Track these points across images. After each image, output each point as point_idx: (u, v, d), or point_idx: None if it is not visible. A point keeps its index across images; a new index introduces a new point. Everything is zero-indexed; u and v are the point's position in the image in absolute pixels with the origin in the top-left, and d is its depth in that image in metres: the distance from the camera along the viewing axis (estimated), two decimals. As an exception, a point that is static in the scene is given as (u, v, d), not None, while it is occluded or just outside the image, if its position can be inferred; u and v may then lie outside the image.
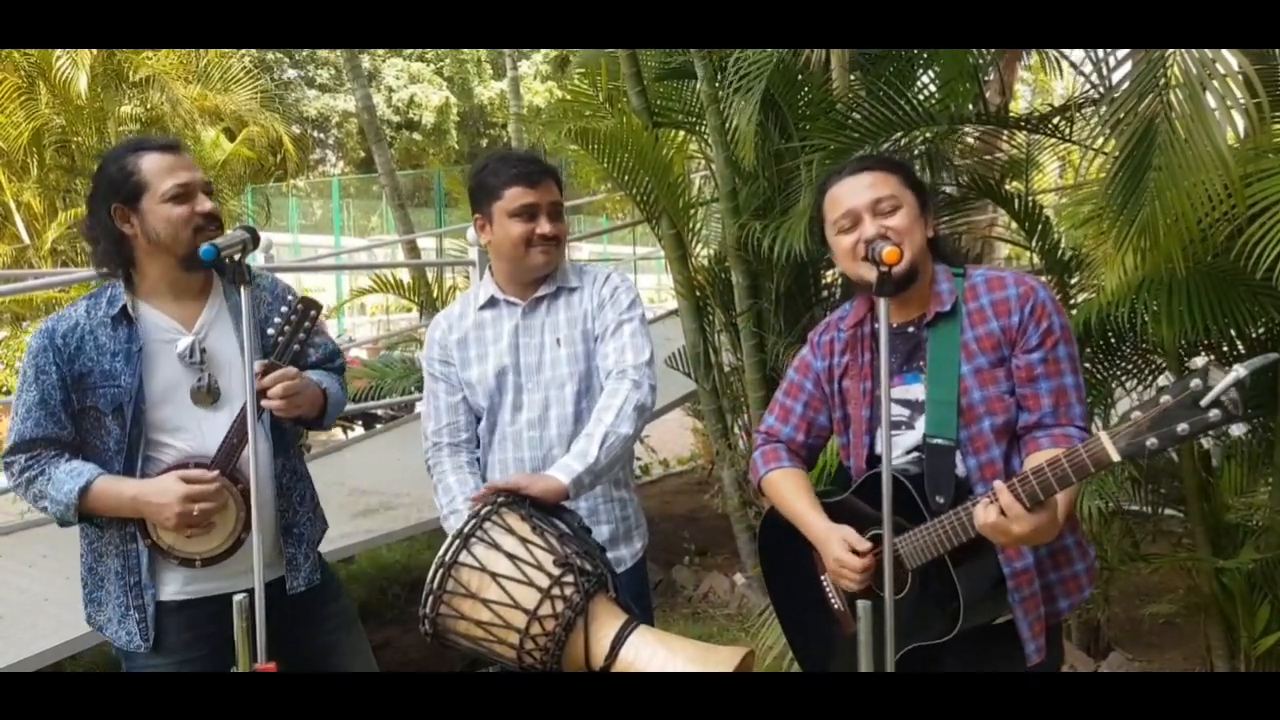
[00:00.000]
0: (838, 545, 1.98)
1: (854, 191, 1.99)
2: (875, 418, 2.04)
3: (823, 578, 2.13)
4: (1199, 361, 1.53)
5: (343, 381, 2.45)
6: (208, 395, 2.18)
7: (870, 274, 1.84)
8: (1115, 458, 1.59)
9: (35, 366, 2.13)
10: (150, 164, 2.14)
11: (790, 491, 2.14)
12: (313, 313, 2.16)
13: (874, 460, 2.05)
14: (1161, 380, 3.72)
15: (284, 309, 2.16)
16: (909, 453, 2.01)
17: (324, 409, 2.31)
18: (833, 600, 2.12)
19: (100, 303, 2.19)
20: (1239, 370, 1.47)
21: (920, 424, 1.99)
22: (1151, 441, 1.55)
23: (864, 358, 2.09)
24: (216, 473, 2.12)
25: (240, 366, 2.17)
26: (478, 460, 2.45)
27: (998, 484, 1.73)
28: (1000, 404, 1.94)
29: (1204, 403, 1.50)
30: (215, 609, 2.11)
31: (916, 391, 2.00)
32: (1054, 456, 1.68)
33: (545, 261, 2.35)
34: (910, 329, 2.03)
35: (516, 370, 2.38)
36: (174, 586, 2.19)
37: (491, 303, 2.44)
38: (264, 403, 2.09)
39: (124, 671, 2.27)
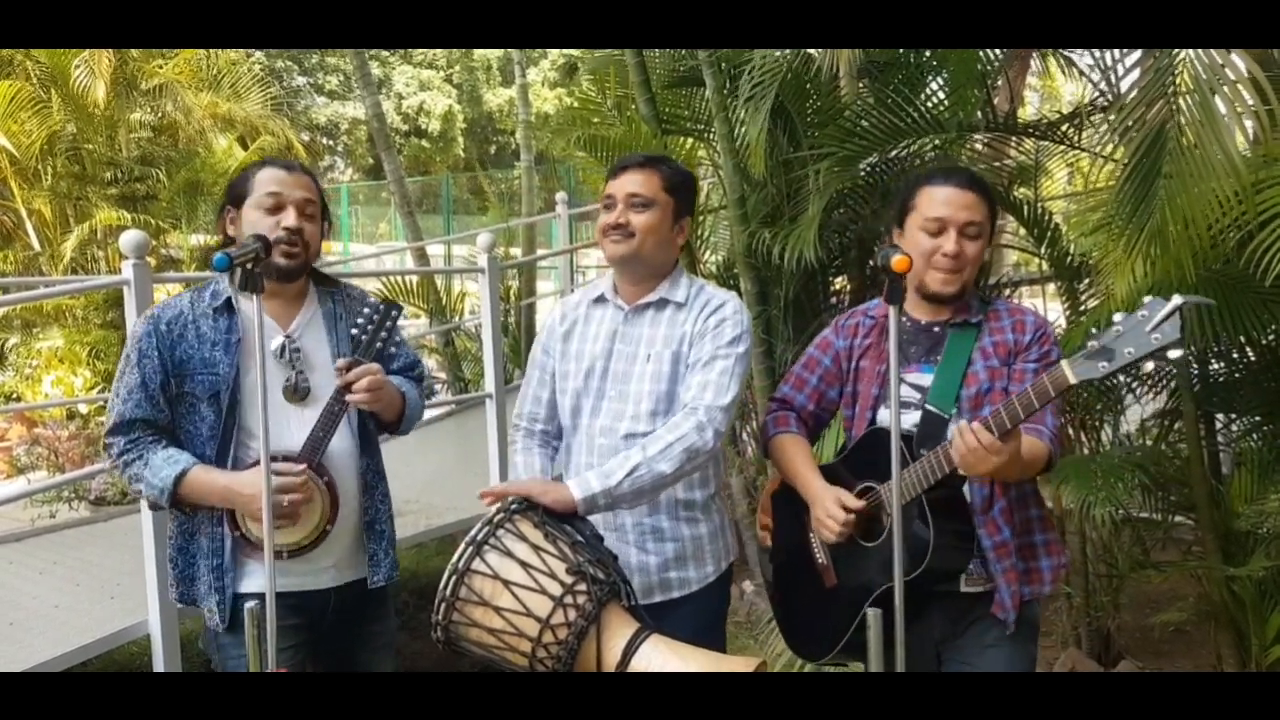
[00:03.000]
0: (830, 500, 2.16)
1: (955, 205, 2.15)
2: (884, 396, 2.25)
3: (810, 535, 2.28)
4: (1147, 299, 1.72)
5: (422, 391, 2.51)
6: (296, 393, 2.27)
7: (932, 282, 2.16)
8: (1072, 380, 1.81)
9: (139, 351, 2.23)
10: (262, 175, 2.26)
11: (795, 454, 2.32)
12: (394, 313, 2.27)
13: (875, 432, 2.26)
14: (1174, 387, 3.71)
15: (366, 309, 2.27)
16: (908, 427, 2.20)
17: (402, 413, 2.38)
18: (817, 555, 2.27)
19: (204, 295, 2.29)
20: (1177, 299, 1.68)
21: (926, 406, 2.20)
22: (1103, 365, 1.76)
23: (886, 344, 2.23)
24: (304, 466, 2.19)
25: (330, 368, 2.28)
26: (554, 447, 2.45)
27: (963, 423, 1.94)
28: (1000, 396, 2.14)
29: (1147, 329, 1.70)
30: (296, 602, 2.22)
31: (929, 380, 2.20)
32: (1019, 391, 1.91)
33: (613, 252, 2.30)
34: (936, 328, 2.24)
35: (604, 375, 2.34)
36: (259, 579, 2.22)
37: (601, 300, 2.42)
38: (349, 396, 2.19)
39: (212, 660, 2.33)
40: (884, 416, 2.23)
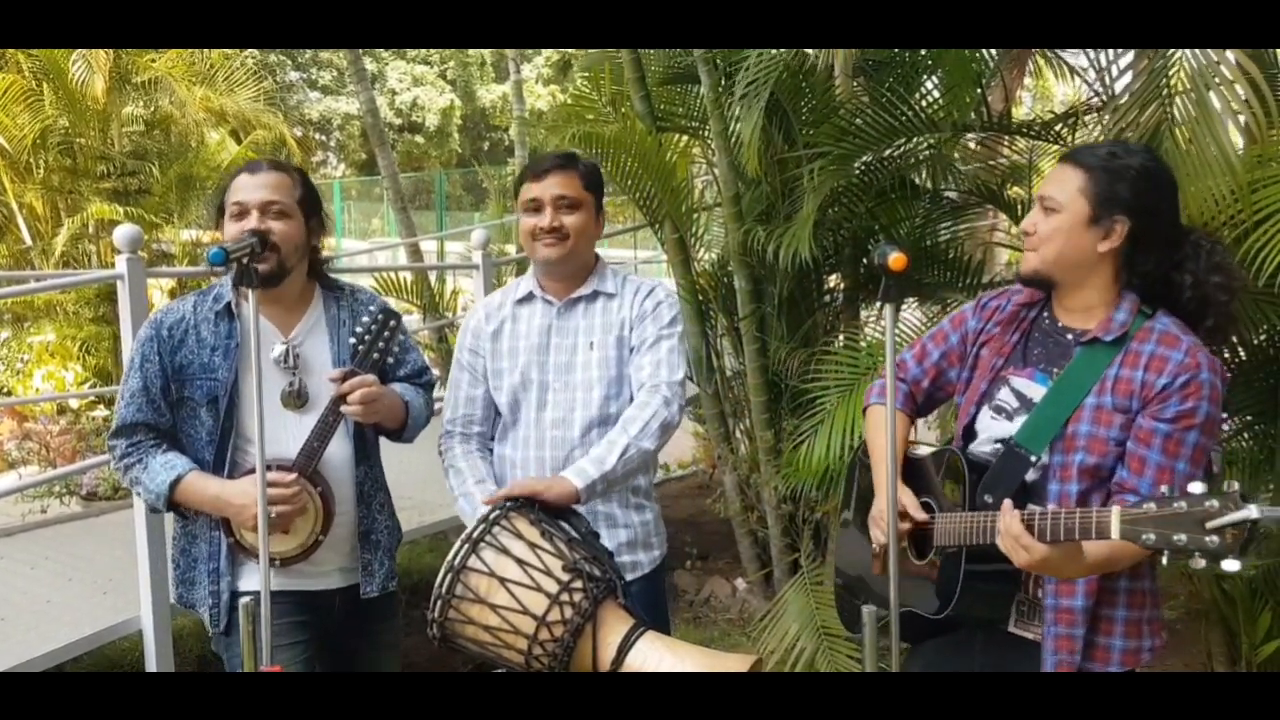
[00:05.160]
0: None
1: (1047, 179, 1.96)
2: (989, 394, 2.05)
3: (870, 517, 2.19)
4: (1235, 485, 1.53)
5: (429, 399, 2.49)
6: (296, 399, 2.27)
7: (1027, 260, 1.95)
8: (1114, 536, 1.62)
9: (141, 355, 2.24)
10: (232, 185, 2.24)
11: (883, 431, 2.08)
12: (392, 322, 2.22)
13: (970, 432, 2.08)
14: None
15: (365, 319, 2.22)
16: (996, 442, 2.01)
17: (405, 421, 2.37)
18: (875, 535, 2.16)
19: (207, 299, 2.29)
20: (1251, 511, 1.47)
21: (1020, 421, 1.97)
22: (1148, 537, 1.57)
23: (1010, 338, 2.07)
24: (295, 476, 2.17)
25: (330, 374, 2.24)
26: (490, 450, 2.46)
27: (1007, 502, 1.77)
28: (1100, 446, 1.88)
29: (1208, 525, 1.50)
30: (298, 599, 2.23)
31: (1036, 391, 1.97)
32: (1072, 510, 1.71)
33: (548, 255, 2.35)
34: (1069, 335, 1.98)
35: (544, 369, 2.39)
36: (255, 579, 2.15)
37: (529, 298, 2.45)
38: (343, 408, 2.16)
39: (223, 660, 2.32)
40: (984, 421, 2.04)
